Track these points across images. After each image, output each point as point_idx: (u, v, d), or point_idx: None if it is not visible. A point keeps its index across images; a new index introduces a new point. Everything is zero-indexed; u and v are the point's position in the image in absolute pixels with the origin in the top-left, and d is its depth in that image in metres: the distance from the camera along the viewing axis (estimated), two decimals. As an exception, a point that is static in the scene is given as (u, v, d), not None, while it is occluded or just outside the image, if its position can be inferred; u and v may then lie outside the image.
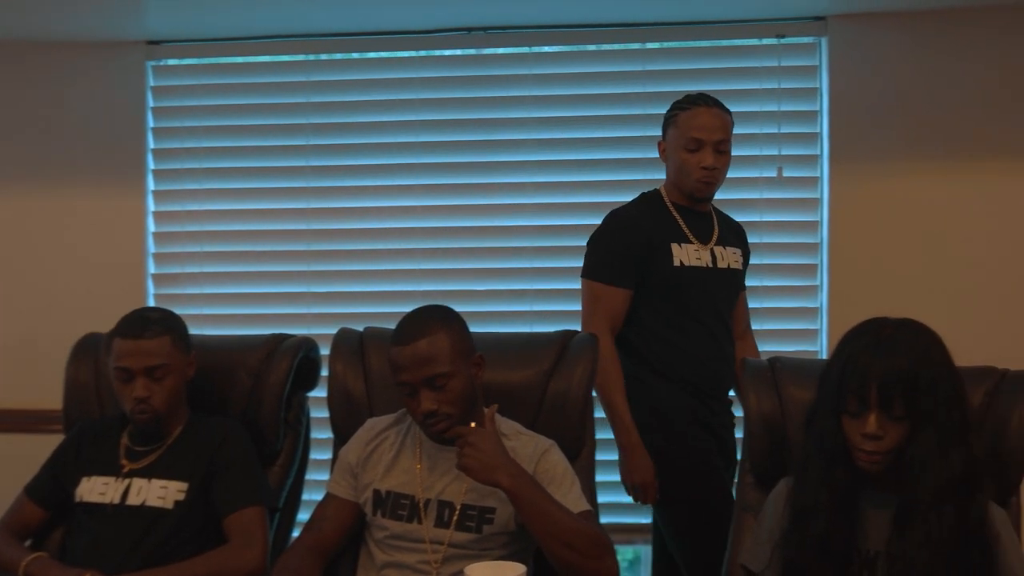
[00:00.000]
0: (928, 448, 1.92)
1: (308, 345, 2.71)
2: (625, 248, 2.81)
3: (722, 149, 2.80)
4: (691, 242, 2.84)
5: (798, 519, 2.05)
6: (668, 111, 2.88)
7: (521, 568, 1.83)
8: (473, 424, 2.17)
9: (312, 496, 2.82)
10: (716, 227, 2.92)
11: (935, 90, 3.38)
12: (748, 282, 3.06)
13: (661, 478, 2.75)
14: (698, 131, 2.78)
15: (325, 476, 3.21)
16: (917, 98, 3.39)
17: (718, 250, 2.88)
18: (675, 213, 2.86)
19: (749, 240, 3.05)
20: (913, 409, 1.92)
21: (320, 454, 3.28)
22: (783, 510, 2.10)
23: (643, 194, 2.96)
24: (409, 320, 2.27)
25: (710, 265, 2.84)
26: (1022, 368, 2.34)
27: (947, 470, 1.92)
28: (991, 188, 3.37)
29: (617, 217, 2.88)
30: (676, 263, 2.80)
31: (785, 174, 3.43)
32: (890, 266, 3.39)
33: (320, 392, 2.72)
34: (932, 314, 2.09)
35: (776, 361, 2.45)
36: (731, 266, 2.90)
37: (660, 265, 2.79)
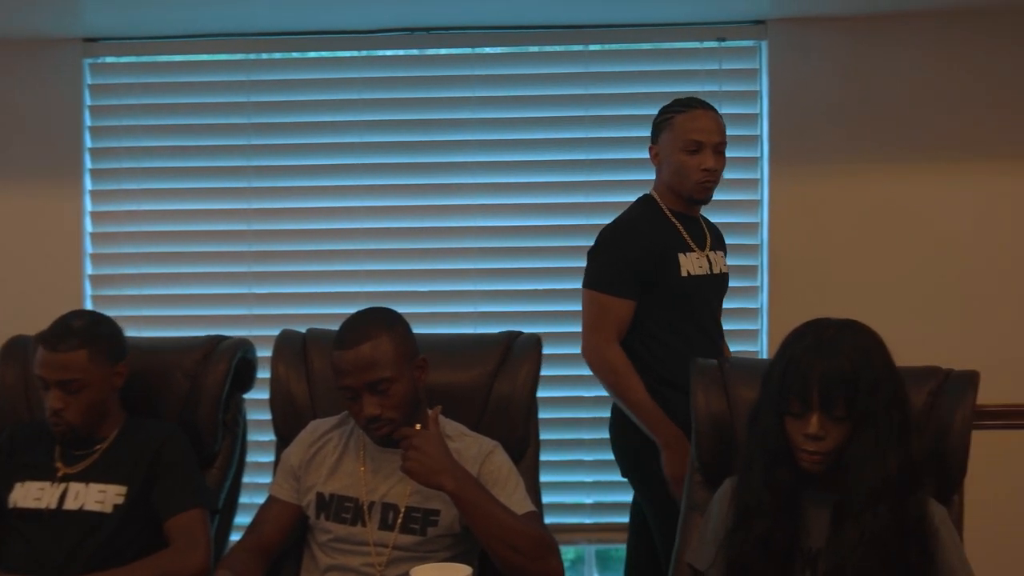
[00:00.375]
0: (867, 449, 1.95)
1: (245, 347, 2.69)
2: (629, 259, 2.77)
3: (720, 151, 2.82)
4: (693, 250, 2.83)
5: (742, 518, 2.07)
6: (660, 115, 2.87)
7: (467, 570, 1.83)
8: (418, 426, 2.16)
9: (251, 499, 2.81)
10: (707, 232, 2.92)
11: (872, 93, 3.44)
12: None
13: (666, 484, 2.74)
14: (698, 133, 2.78)
15: (264, 479, 3.19)
16: (855, 101, 3.44)
17: (712, 255, 2.88)
18: (674, 220, 2.84)
19: None
20: (854, 410, 1.95)
21: (260, 456, 3.26)
22: (727, 509, 2.12)
23: (639, 200, 2.92)
24: (351, 324, 2.25)
25: (708, 272, 2.85)
26: (966, 368, 2.37)
27: (884, 471, 1.95)
28: (928, 189, 3.43)
29: (618, 227, 2.84)
30: (683, 273, 2.78)
31: (726, 176, 3.44)
32: (829, 267, 3.44)
33: (257, 394, 2.71)
34: (871, 314, 2.13)
35: (725, 361, 2.47)
36: (722, 271, 2.93)
37: (667, 276, 2.77)
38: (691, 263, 2.81)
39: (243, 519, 2.60)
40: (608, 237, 2.84)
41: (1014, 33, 3.38)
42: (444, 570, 1.87)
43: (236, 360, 2.63)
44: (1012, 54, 3.39)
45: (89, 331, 2.37)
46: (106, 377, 2.39)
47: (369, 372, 2.16)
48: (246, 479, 2.76)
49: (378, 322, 2.24)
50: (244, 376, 2.70)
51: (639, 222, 2.84)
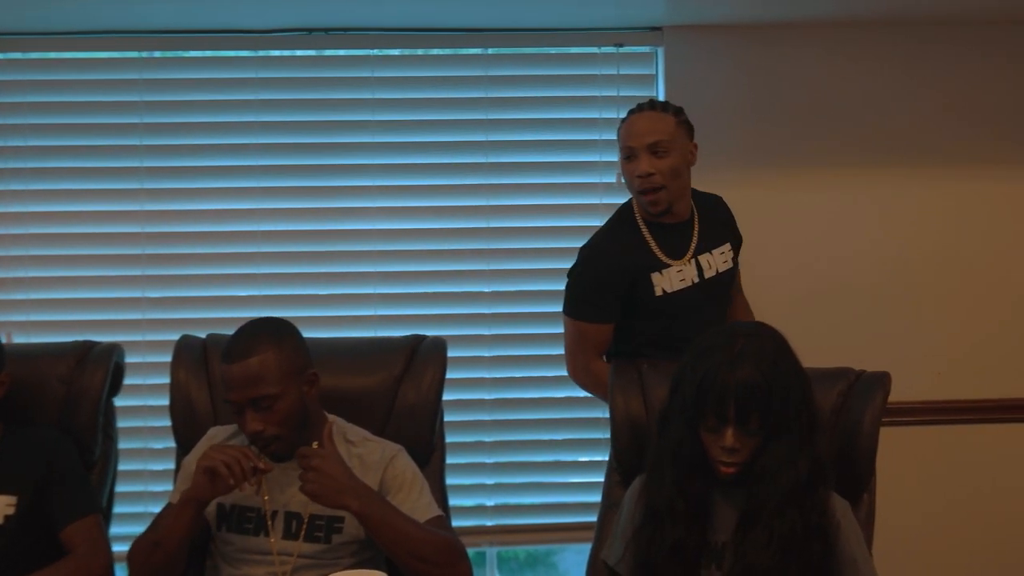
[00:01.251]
0: (778, 457, 2.01)
1: (119, 351, 2.66)
2: (604, 286, 2.75)
3: (659, 150, 2.69)
4: (670, 265, 2.76)
5: (650, 518, 2.11)
6: None
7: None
8: (316, 444, 2.13)
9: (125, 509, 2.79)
10: (696, 235, 2.83)
11: (765, 99, 3.51)
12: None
13: None
14: (628, 139, 2.73)
15: (159, 487, 3.14)
16: (748, 106, 3.51)
17: (703, 259, 2.82)
18: (647, 233, 2.79)
19: None
20: (768, 421, 2.00)
21: (157, 464, 3.21)
22: (636, 506, 2.16)
23: (617, 212, 2.89)
24: (238, 337, 2.21)
25: (696, 280, 2.79)
26: (868, 366, 2.46)
27: (793, 475, 2.01)
28: (822, 191, 3.52)
29: (593, 252, 2.81)
30: (659, 293, 2.75)
31: (623, 180, 3.49)
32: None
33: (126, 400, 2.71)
34: (773, 314, 2.19)
35: (643, 363, 2.51)
36: (719, 270, 2.84)
37: (643, 297, 2.75)
38: (668, 281, 2.76)
39: (118, 529, 2.63)
40: (582, 260, 2.82)
41: (898, 43, 3.50)
42: (359, 576, 1.87)
43: (112, 364, 2.59)
44: (899, 63, 3.51)
45: None
46: None
47: (253, 388, 2.13)
48: (131, 488, 2.72)
49: (266, 336, 2.20)
50: (115, 381, 2.66)
51: (610, 243, 2.80)
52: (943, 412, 3.56)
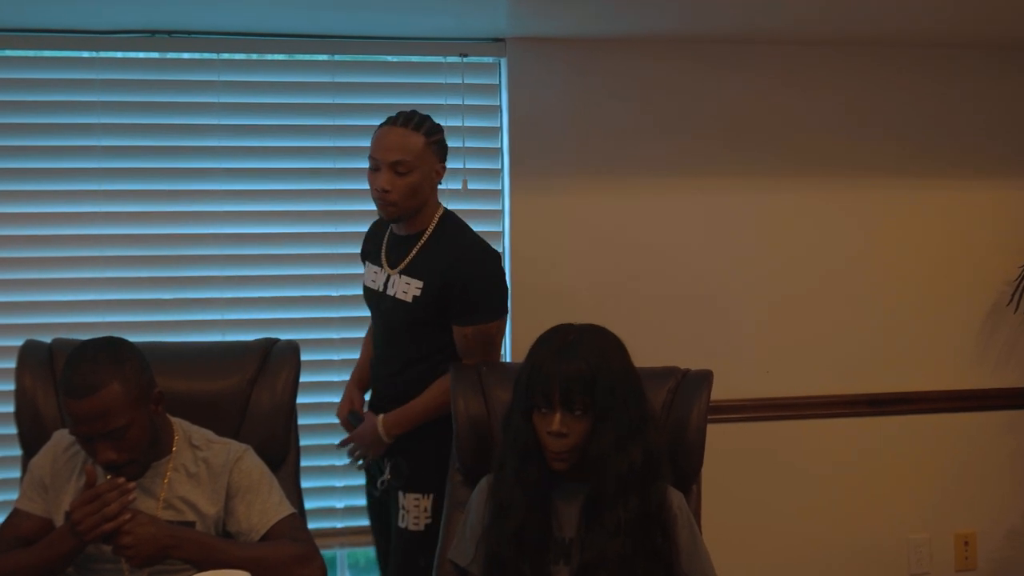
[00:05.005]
0: (607, 443, 2.11)
1: None
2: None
3: (400, 170, 2.70)
4: (375, 265, 2.93)
5: (497, 514, 2.19)
6: None
7: (245, 575, 1.86)
8: (132, 496, 2.09)
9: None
10: (411, 253, 2.83)
11: (600, 110, 3.62)
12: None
13: None
14: (375, 150, 2.75)
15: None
16: (585, 117, 3.61)
17: (394, 276, 2.83)
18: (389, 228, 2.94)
19: None
20: (593, 408, 2.11)
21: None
22: (484, 506, 2.24)
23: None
24: (79, 367, 2.12)
25: (380, 289, 2.87)
26: (700, 368, 2.60)
27: (626, 462, 2.11)
28: (653, 200, 3.65)
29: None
30: (367, 281, 2.91)
31: (469, 186, 3.58)
32: (566, 273, 3.60)
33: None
34: (607, 319, 2.30)
35: (483, 365, 2.59)
36: (394, 295, 2.81)
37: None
38: (368, 274, 2.93)
39: None
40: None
41: (726, 58, 3.68)
42: (224, 576, 1.88)
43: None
44: (725, 77, 3.68)
45: None
46: None
47: (103, 422, 2.09)
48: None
49: (108, 366, 2.12)
50: None
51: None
52: (765, 408, 3.76)
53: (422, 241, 2.81)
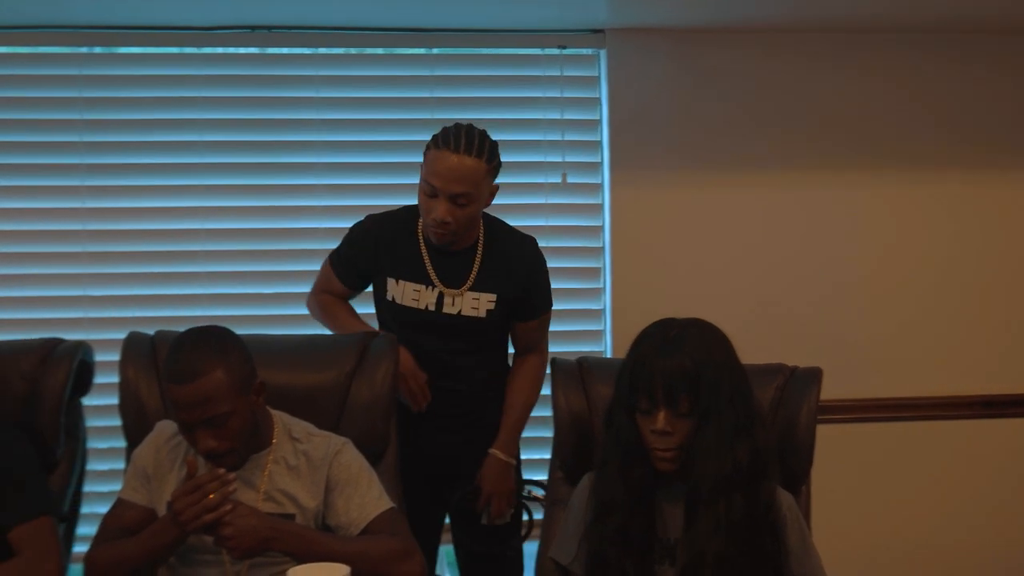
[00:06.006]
0: (711, 441, 2.04)
1: (84, 349, 2.59)
2: (354, 249, 2.81)
3: (462, 203, 2.57)
4: (415, 283, 2.77)
5: (599, 513, 2.14)
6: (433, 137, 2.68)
7: (345, 569, 1.84)
8: (233, 487, 2.08)
9: (92, 509, 2.72)
10: (474, 270, 2.73)
11: (702, 102, 3.56)
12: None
13: None
14: (432, 176, 2.57)
15: (104, 487, 3.07)
16: (687, 109, 3.56)
17: (450, 294, 2.72)
18: (424, 248, 2.76)
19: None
20: (698, 405, 2.04)
21: (100, 464, 3.15)
22: (586, 504, 2.19)
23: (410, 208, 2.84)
24: (182, 354, 2.12)
25: (432, 308, 2.73)
26: (808, 365, 2.50)
27: (730, 461, 2.04)
28: (761, 193, 3.58)
29: (368, 219, 2.82)
30: (389, 298, 2.78)
31: (569, 180, 3.54)
32: (669, 268, 3.55)
33: (93, 400, 2.65)
34: (711, 314, 2.23)
35: (584, 360, 2.54)
36: (464, 314, 2.71)
37: (379, 292, 2.81)
38: (400, 291, 2.71)
39: (85, 530, 2.53)
40: (362, 221, 2.82)
41: (836, 46, 3.58)
42: (321, 570, 1.86)
43: (76, 363, 2.53)
44: (834, 71, 3.59)
45: None
46: None
47: (204, 408, 2.08)
48: (87, 488, 2.67)
49: (211, 353, 2.12)
50: (82, 380, 2.60)
51: (385, 222, 2.78)
52: (878, 409, 3.65)
53: (479, 254, 2.73)
